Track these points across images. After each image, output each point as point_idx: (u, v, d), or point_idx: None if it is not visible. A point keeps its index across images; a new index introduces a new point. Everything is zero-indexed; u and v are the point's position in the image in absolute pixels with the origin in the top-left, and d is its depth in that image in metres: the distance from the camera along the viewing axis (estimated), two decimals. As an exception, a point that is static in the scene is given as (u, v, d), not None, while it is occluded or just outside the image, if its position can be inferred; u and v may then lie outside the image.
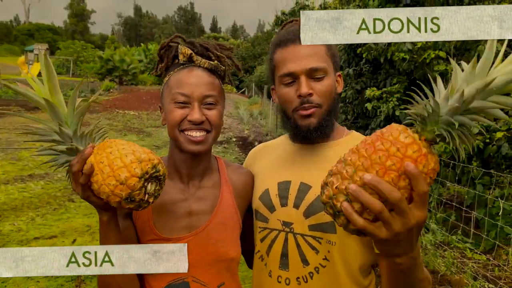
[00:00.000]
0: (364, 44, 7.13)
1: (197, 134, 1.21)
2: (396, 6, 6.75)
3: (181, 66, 1.27)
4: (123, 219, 1.26)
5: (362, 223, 0.77)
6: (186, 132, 1.21)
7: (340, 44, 8.62)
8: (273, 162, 1.45)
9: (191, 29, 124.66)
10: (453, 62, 0.81)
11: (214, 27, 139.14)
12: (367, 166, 0.78)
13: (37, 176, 7.54)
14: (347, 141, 1.35)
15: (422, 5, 6.56)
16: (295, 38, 1.27)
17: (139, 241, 1.28)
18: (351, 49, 7.87)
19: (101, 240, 1.12)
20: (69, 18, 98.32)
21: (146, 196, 1.02)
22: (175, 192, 1.31)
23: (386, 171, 0.77)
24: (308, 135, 1.28)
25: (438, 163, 0.81)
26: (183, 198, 1.31)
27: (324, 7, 12.76)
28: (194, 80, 1.22)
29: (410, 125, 0.85)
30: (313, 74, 1.25)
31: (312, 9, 12.68)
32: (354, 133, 1.42)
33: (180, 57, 1.26)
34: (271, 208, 1.34)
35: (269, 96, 21.12)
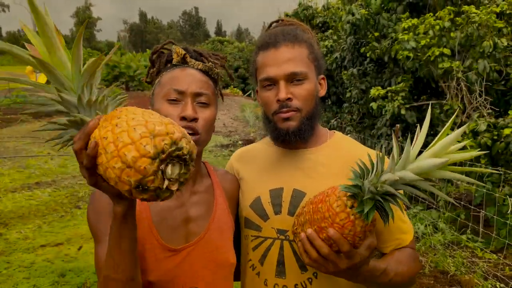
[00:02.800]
0: (368, 43, 7.08)
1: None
2: (399, 5, 6.69)
3: (175, 66, 1.23)
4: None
5: (314, 256, 1.03)
6: None
7: (344, 44, 8.57)
8: (260, 168, 1.42)
9: (196, 34, 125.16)
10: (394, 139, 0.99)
11: (219, 31, 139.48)
12: (310, 221, 1.05)
13: (44, 184, 7.58)
14: (329, 146, 1.36)
15: (425, 5, 6.50)
16: (276, 41, 1.27)
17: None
18: (355, 48, 7.81)
19: (112, 242, 0.92)
20: (76, 26, 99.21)
21: (166, 182, 0.76)
22: (171, 198, 1.20)
23: (321, 230, 1.01)
24: (287, 138, 1.27)
25: (369, 225, 1.00)
26: (178, 204, 1.24)
27: (327, 7, 12.72)
28: (188, 77, 1.18)
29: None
30: (292, 78, 1.25)
31: (315, 10, 12.65)
32: (337, 134, 1.42)
33: (174, 56, 1.22)
34: (264, 217, 1.31)
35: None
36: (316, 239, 1.00)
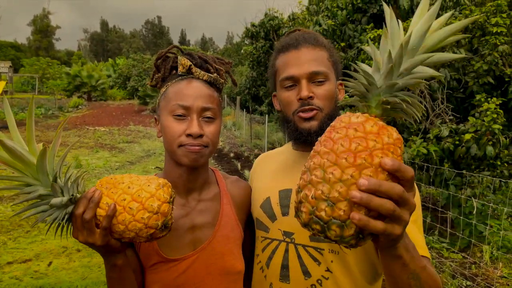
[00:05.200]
0: (335, 53, 7.30)
1: (194, 148, 1.16)
2: (363, 16, 6.96)
3: (180, 77, 1.23)
4: (125, 251, 1.19)
5: (382, 227, 0.70)
6: (184, 147, 1.16)
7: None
8: (274, 170, 1.42)
9: (159, 43, 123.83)
10: (371, 46, 0.83)
11: (183, 40, 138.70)
12: (333, 160, 0.72)
13: (6, 198, 7.26)
14: None
15: (388, 14, 6.78)
16: (297, 43, 1.27)
17: (143, 269, 1.22)
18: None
19: (114, 286, 1.06)
20: (33, 35, 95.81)
21: (172, 218, 0.99)
22: (176, 208, 1.23)
23: (359, 166, 0.70)
24: (309, 138, 1.23)
25: (397, 133, 0.77)
26: (184, 214, 1.25)
27: (292, 18, 12.98)
28: (193, 91, 1.18)
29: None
30: (314, 78, 1.24)
31: (281, 20, 12.88)
32: None
33: (180, 68, 1.22)
34: (272, 217, 1.30)
35: (241, 107, 21.15)
36: (382, 183, 0.69)
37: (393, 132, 0.75)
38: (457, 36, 0.77)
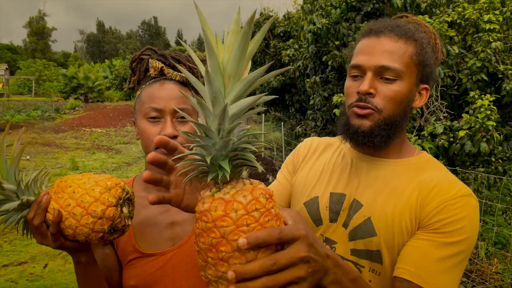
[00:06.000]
0: (329, 51, 7.31)
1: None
2: (357, 14, 6.97)
3: (153, 80, 1.24)
4: (103, 248, 1.21)
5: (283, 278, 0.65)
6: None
7: (306, 53, 8.80)
8: (327, 166, 1.27)
9: (156, 43, 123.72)
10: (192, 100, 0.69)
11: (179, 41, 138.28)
12: (205, 259, 0.68)
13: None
14: (415, 162, 1.15)
15: (382, 14, 6.80)
16: (380, 30, 1.12)
17: (120, 265, 1.23)
18: (317, 57, 8.04)
19: (81, 282, 1.07)
20: (29, 37, 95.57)
21: (125, 220, 0.98)
22: (155, 205, 1.24)
23: (223, 259, 0.65)
24: (355, 137, 1.11)
25: (265, 186, 0.72)
26: (164, 210, 1.27)
27: (288, 17, 13.00)
28: (165, 94, 1.19)
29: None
30: (382, 73, 1.08)
31: (276, 20, 12.88)
32: (425, 155, 1.19)
33: (151, 70, 1.23)
34: (318, 221, 1.19)
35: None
36: (247, 270, 0.64)
37: (248, 194, 0.68)
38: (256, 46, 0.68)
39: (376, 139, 1.09)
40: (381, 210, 1.08)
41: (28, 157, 10.77)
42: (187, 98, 0.70)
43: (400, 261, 1.01)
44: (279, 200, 1.31)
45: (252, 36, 0.68)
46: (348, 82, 1.15)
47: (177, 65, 0.76)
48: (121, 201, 0.95)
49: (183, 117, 1.20)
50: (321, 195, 1.21)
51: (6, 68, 37.23)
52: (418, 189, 1.06)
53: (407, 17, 1.23)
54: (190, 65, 1.27)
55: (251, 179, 0.74)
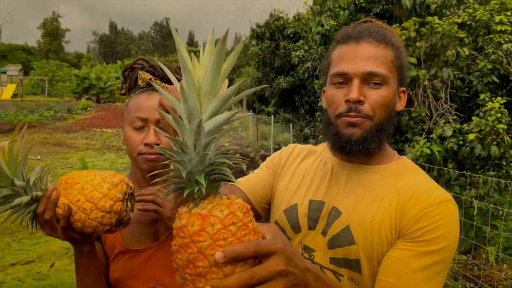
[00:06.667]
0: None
1: (151, 156, 1.25)
2: (367, 16, 6.91)
3: (141, 90, 1.32)
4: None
5: None
6: (143, 156, 1.26)
7: (315, 54, 8.76)
8: (307, 173, 1.26)
9: (167, 44, 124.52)
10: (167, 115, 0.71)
11: (191, 41, 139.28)
12: (183, 277, 0.69)
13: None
14: (395, 168, 1.15)
15: (391, 15, 6.74)
16: (359, 36, 1.11)
17: (107, 260, 1.30)
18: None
19: (82, 272, 1.13)
20: (43, 38, 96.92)
21: (129, 213, 1.06)
22: (140, 203, 1.30)
23: (200, 274, 0.65)
24: (348, 146, 1.08)
25: (242, 200, 0.72)
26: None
27: (298, 18, 12.97)
28: (151, 104, 1.26)
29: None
30: (369, 79, 1.07)
31: (286, 21, 12.87)
32: (405, 160, 1.19)
33: (139, 81, 1.30)
34: (296, 228, 1.17)
35: (248, 108, 21.13)
36: (233, 248, 0.65)
37: (224, 209, 0.68)
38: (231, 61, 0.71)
39: (370, 146, 1.08)
40: (361, 219, 1.07)
41: (39, 157, 10.89)
42: (164, 116, 0.72)
43: (381, 272, 1.00)
44: (253, 190, 1.29)
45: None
46: (332, 90, 1.13)
47: (158, 87, 0.82)
48: (126, 196, 1.03)
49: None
50: (300, 202, 1.19)
51: (20, 69, 37.78)
52: (398, 197, 1.05)
53: (370, 21, 1.22)
54: (178, 77, 1.31)
55: (228, 194, 0.74)
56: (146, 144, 1.25)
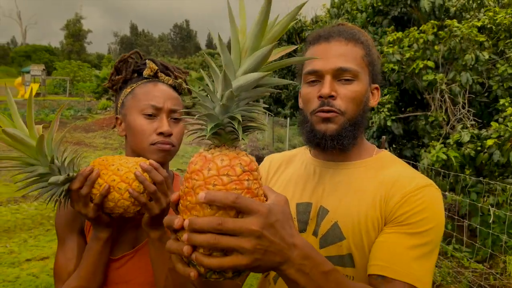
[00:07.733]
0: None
1: (165, 146, 1.23)
2: (384, 19, 6.83)
3: (146, 80, 1.30)
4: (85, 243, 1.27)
5: (216, 262, 0.67)
6: (156, 145, 1.22)
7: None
8: (290, 178, 1.28)
9: (187, 46, 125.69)
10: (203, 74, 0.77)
11: (210, 44, 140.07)
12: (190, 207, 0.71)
13: (30, 197, 7.49)
14: (375, 161, 1.18)
15: (409, 18, 6.64)
16: (329, 36, 1.15)
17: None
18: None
19: (92, 258, 1.14)
20: (66, 39, 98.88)
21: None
22: None
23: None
24: (323, 142, 1.11)
25: (251, 161, 0.74)
26: None
27: (315, 21, 12.90)
28: (162, 93, 1.26)
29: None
30: (340, 75, 1.11)
31: (304, 23, 12.81)
32: (384, 153, 1.22)
33: (147, 71, 1.29)
34: None
35: (265, 110, 21.11)
36: (214, 193, 0.67)
37: (226, 159, 0.72)
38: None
39: (344, 141, 1.11)
40: (347, 213, 1.09)
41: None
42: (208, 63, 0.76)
43: (371, 258, 1.01)
44: None
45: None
46: (306, 89, 1.17)
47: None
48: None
49: (176, 118, 1.28)
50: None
51: (43, 69, 38.65)
52: (380, 187, 1.08)
53: (343, 25, 1.25)
54: (177, 74, 1.35)
55: (244, 151, 0.78)
56: (160, 134, 1.22)
